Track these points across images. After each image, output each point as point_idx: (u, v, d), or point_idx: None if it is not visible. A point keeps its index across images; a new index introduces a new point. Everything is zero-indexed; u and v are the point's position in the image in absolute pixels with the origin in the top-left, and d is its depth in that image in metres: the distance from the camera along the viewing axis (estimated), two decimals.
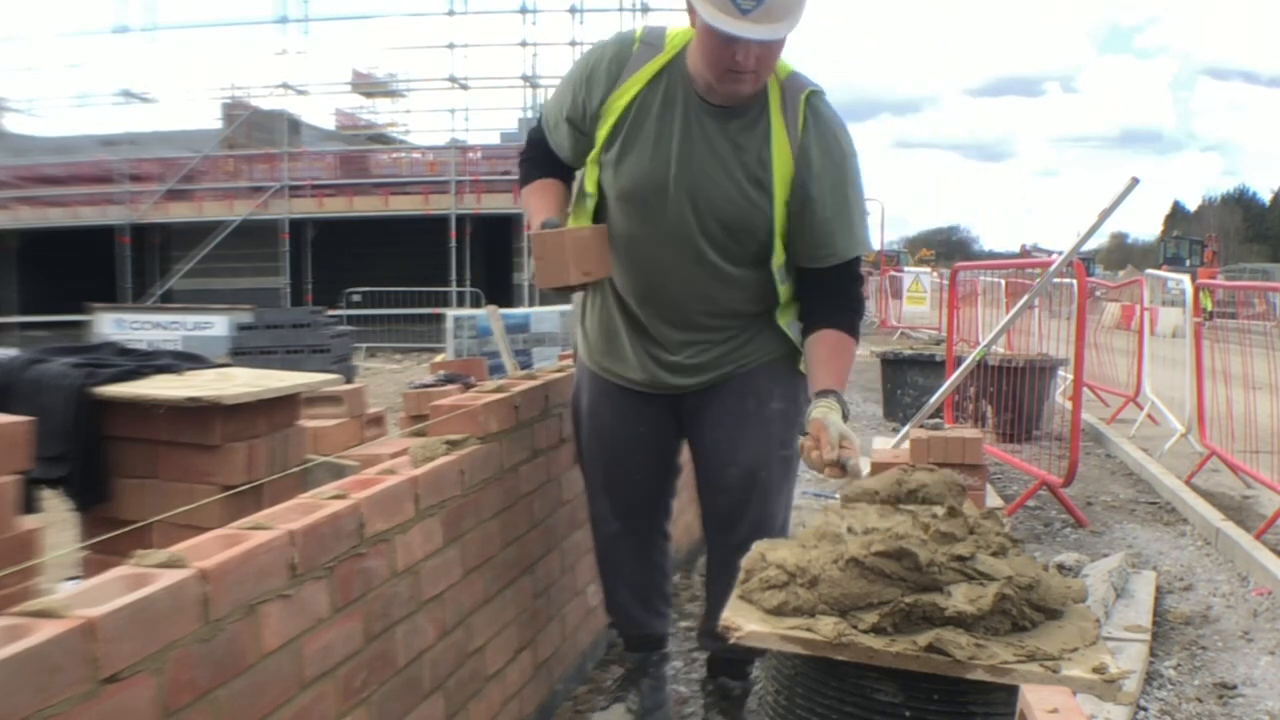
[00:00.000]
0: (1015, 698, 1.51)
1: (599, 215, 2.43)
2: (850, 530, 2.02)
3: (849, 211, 2.31)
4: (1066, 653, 1.79)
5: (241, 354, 10.56)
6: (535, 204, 2.43)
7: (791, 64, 2.32)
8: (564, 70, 2.57)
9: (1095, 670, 1.73)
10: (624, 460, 2.58)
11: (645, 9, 22.40)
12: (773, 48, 2.12)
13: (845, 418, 2.20)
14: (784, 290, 2.41)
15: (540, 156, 2.49)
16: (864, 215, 2.39)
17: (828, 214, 2.28)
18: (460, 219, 21.69)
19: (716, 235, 2.32)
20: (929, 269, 27.35)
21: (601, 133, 2.33)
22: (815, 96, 2.29)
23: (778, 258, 2.34)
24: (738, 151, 2.27)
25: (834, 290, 2.36)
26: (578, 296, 2.65)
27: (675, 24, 2.34)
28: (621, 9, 22.24)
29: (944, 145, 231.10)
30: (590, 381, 2.61)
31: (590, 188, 2.42)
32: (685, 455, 2.75)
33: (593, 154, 2.37)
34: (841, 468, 2.11)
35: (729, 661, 2.68)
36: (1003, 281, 10.81)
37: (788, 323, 2.46)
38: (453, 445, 2.19)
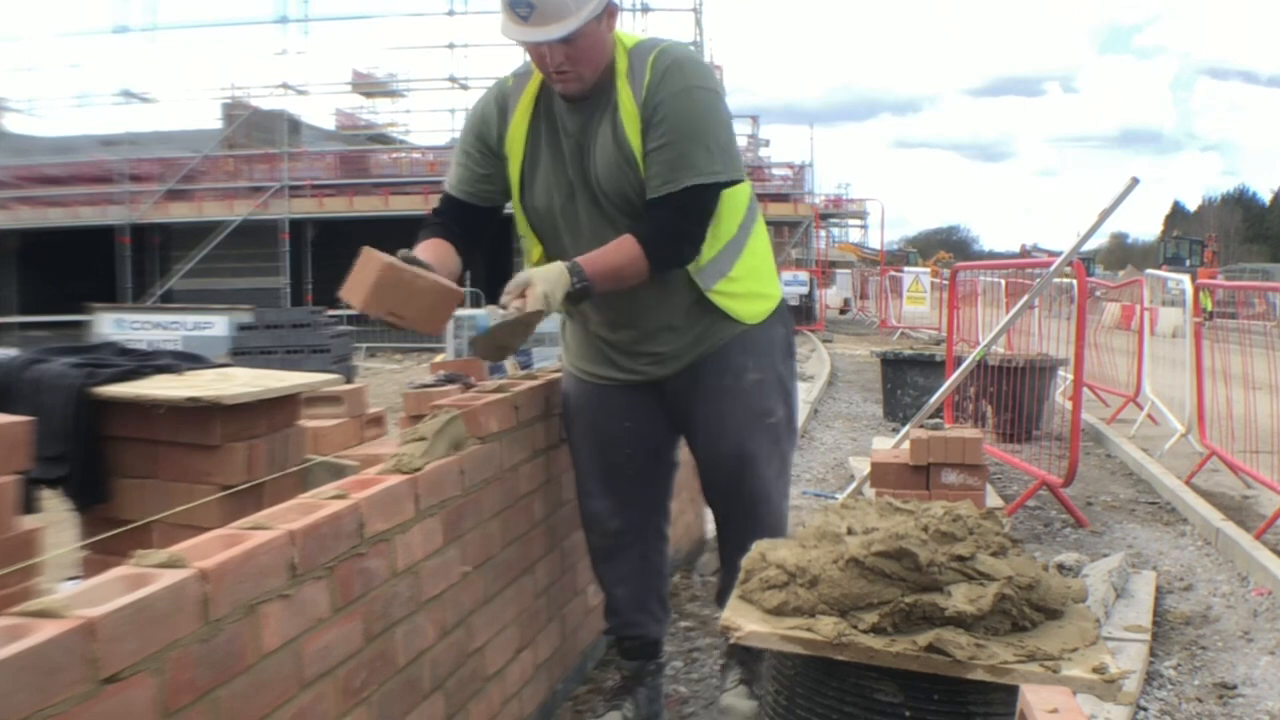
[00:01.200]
0: (1015, 698, 1.51)
1: (542, 258, 2.53)
2: (850, 530, 2.02)
3: (682, 140, 2.29)
4: (1066, 653, 1.79)
5: (241, 354, 10.57)
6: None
7: (641, 35, 2.45)
8: None
9: (1095, 670, 1.73)
10: (617, 455, 2.63)
11: (646, 9, 22.43)
12: (577, 45, 2.22)
13: (572, 289, 2.24)
14: None
15: (439, 222, 2.52)
16: (703, 142, 2.31)
17: (662, 144, 2.30)
18: None
19: (620, 212, 2.39)
20: (929, 269, 27.34)
21: (513, 174, 2.46)
22: (665, 51, 2.35)
23: None
24: (608, 132, 2.36)
25: (661, 215, 2.33)
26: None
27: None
28: (621, 8, 22.24)
29: (944, 145, 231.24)
30: (575, 385, 2.69)
31: (524, 230, 2.54)
32: (682, 453, 2.79)
33: (514, 198, 2.50)
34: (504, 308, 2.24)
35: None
36: (1003, 281, 10.81)
37: (696, 272, 2.44)
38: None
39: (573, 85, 2.31)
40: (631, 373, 2.59)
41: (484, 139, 2.49)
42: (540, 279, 2.23)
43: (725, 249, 2.49)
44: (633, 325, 2.53)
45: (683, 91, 2.30)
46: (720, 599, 2.85)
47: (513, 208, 2.55)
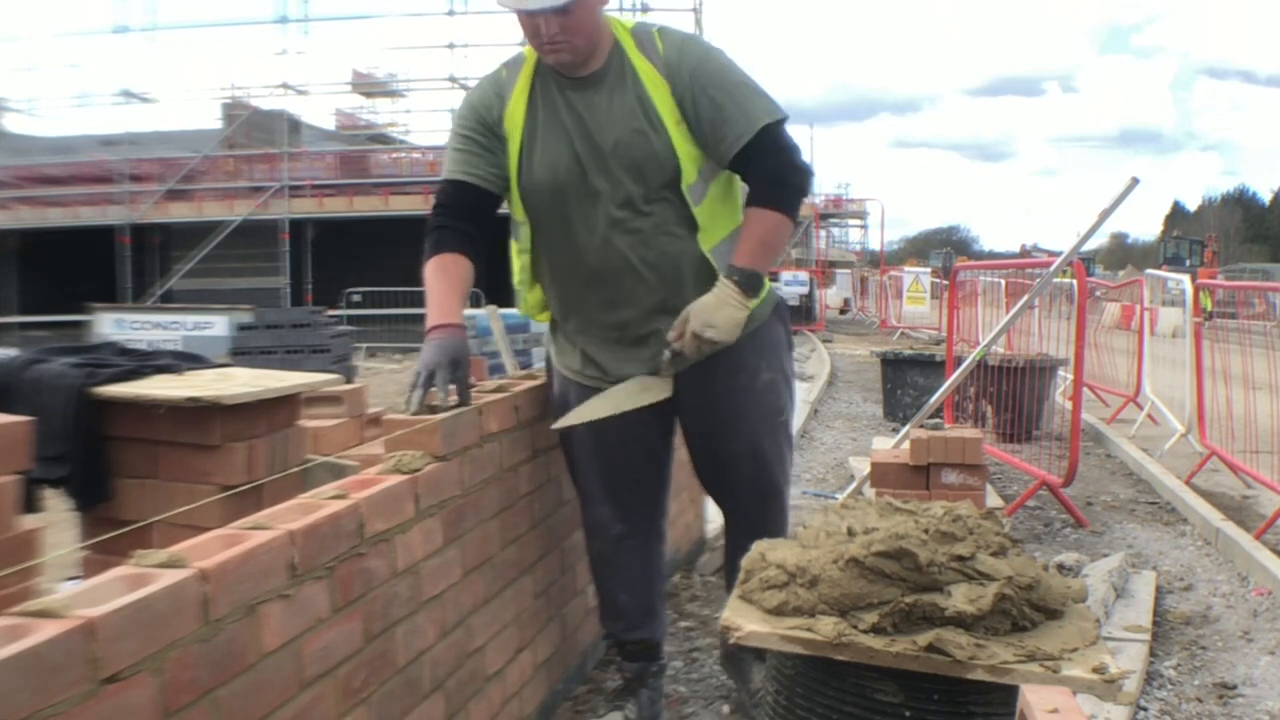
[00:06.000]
0: (1015, 698, 1.51)
1: (533, 239, 2.55)
2: (850, 530, 2.02)
3: (733, 94, 2.39)
4: (1066, 653, 1.79)
5: (241, 354, 10.56)
6: (435, 295, 2.42)
7: (632, 20, 2.53)
8: None
9: (1095, 670, 1.73)
10: (617, 460, 2.61)
11: (645, 8, 22.40)
12: (573, 16, 2.26)
13: (746, 286, 2.39)
14: (700, 212, 2.45)
15: (451, 224, 2.48)
16: (752, 89, 2.42)
17: (715, 105, 2.38)
18: None
19: (631, 187, 2.42)
20: (928, 269, 27.36)
21: (512, 152, 2.46)
22: (666, 29, 2.47)
23: (686, 178, 2.42)
24: (621, 102, 2.40)
25: (757, 168, 2.43)
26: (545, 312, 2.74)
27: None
28: (621, 9, 22.24)
29: (944, 145, 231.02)
30: (575, 390, 2.63)
31: (520, 215, 2.53)
32: (679, 453, 2.79)
33: (513, 178, 2.48)
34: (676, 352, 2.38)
35: None
36: (1003, 281, 10.81)
37: (710, 248, 2.47)
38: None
39: (564, 56, 2.33)
40: (636, 370, 2.57)
41: (484, 121, 2.48)
42: (696, 312, 2.35)
43: (735, 232, 2.52)
44: (628, 328, 2.54)
45: (707, 55, 2.41)
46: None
47: (510, 191, 2.53)
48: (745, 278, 2.39)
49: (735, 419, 2.58)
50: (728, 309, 2.37)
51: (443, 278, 2.43)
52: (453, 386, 2.25)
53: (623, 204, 2.43)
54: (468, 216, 2.49)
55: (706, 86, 2.37)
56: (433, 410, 2.18)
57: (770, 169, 2.42)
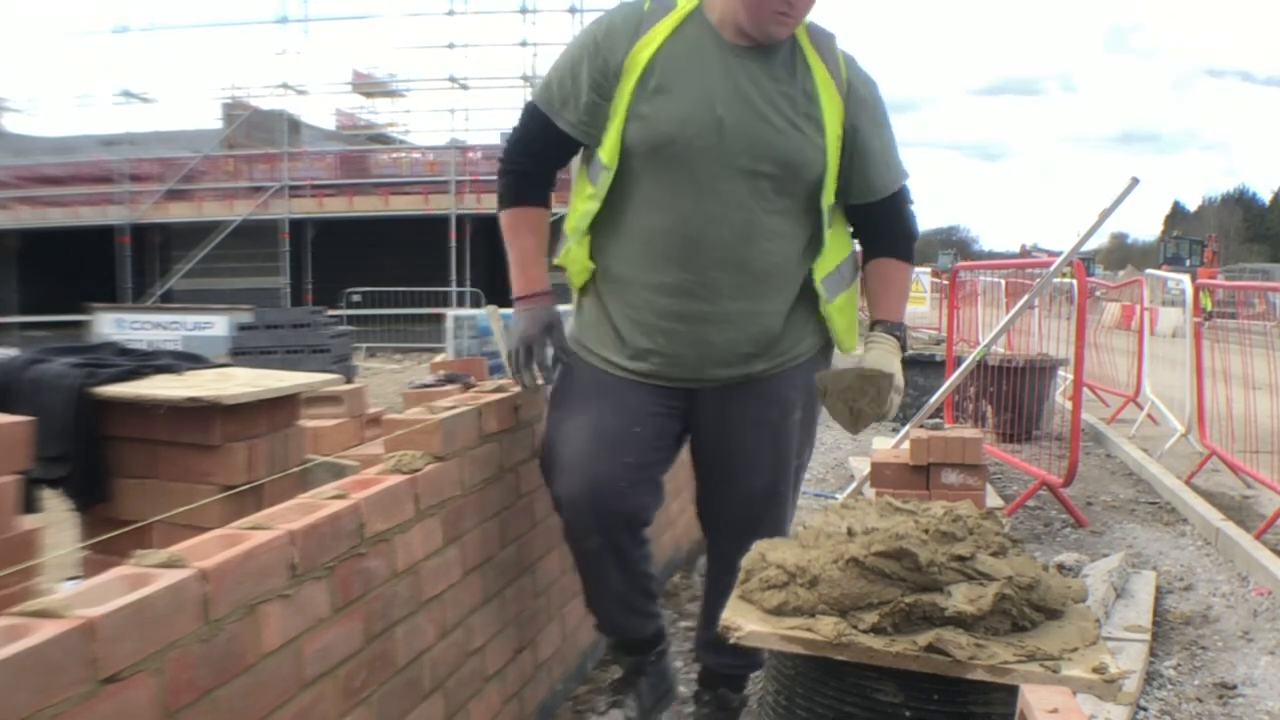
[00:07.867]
0: (1015, 698, 1.51)
1: (615, 188, 2.29)
2: (850, 530, 2.01)
3: (888, 144, 2.41)
4: (1066, 653, 1.79)
5: (241, 354, 10.57)
6: (520, 256, 2.41)
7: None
8: None
9: (1095, 670, 1.73)
10: (611, 465, 2.33)
11: None
12: None
13: (903, 344, 2.43)
14: (828, 236, 2.36)
15: (535, 169, 2.39)
16: (895, 143, 2.46)
17: (877, 146, 2.37)
18: (460, 219, 21.68)
19: (768, 175, 2.25)
20: (929, 269, 27.35)
21: (626, 88, 2.23)
22: (835, 40, 2.41)
23: (828, 196, 2.32)
24: (781, 86, 2.28)
25: (892, 219, 2.45)
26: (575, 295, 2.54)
27: None
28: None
29: (944, 145, 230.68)
30: (585, 372, 2.42)
31: (610, 158, 2.26)
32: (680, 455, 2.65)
33: (617, 118, 2.24)
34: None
35: (728, 676, 2.63)
36: (1003, 281, 10.81)
37: (822, 278, 2.38)
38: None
39: (787, 29, 2.22)
40: (673, 361, 2.34)
41: (600, 63, 2.25)
42: (880, 364, 2.33)
43: (846, 261, 2.47)
44: (710, 299, 2.29)
45: (877, 94, 2.40)
46: (701, 651, 2.69)
47: (604, 134, 2.28)
48: (902, 332, 2.42)
49: (758, 455, 2.40)
50: (896, 358, 2.39)
51: (527, 235, 2.39)
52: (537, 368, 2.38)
53: (750, 189, 2.24)
54: (548, 159, 2.40)
55: (872, 124, 2.34)
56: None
57: (904, 224, 2.48)
